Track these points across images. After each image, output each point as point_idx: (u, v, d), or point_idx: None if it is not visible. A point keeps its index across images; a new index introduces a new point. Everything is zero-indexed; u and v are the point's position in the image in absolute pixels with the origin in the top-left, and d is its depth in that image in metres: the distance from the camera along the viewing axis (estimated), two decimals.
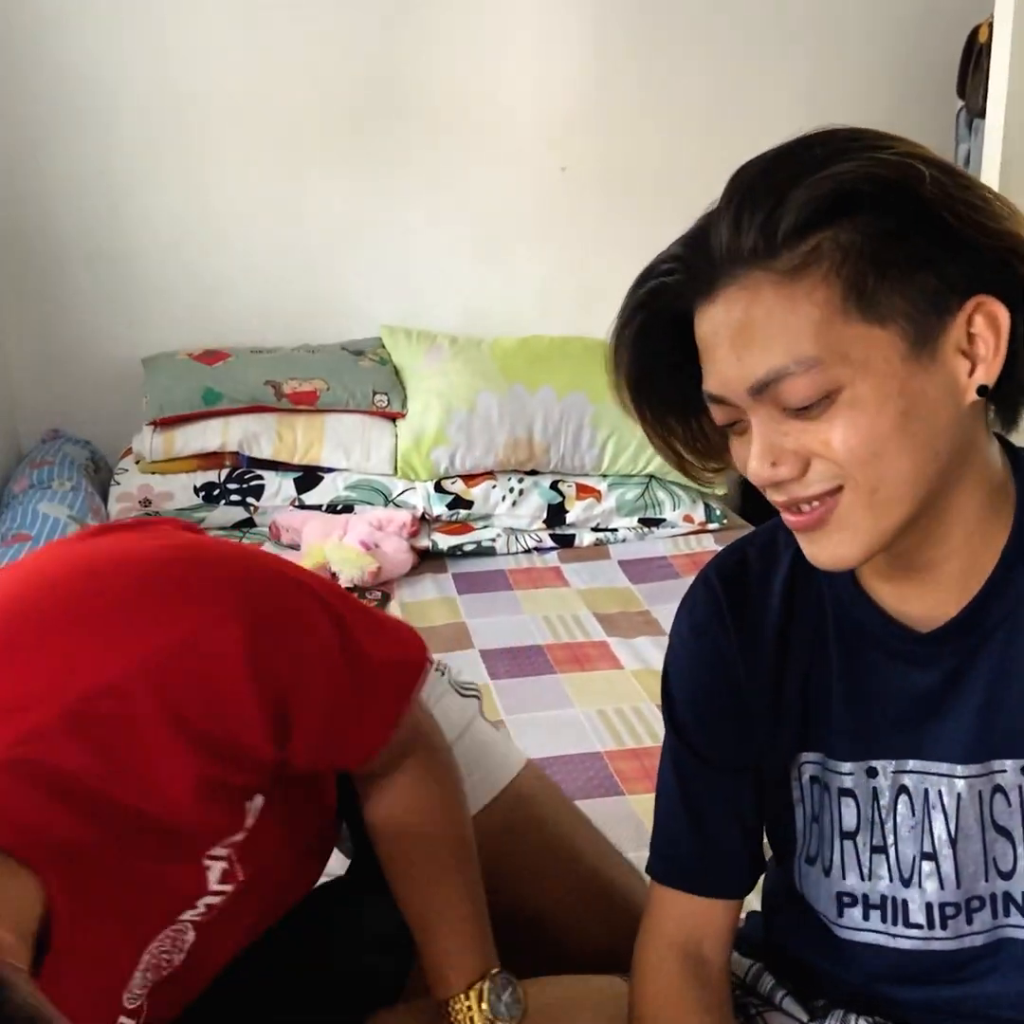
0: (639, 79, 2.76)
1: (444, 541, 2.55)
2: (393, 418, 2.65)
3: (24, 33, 2.53)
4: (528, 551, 2.57)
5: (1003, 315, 0.67)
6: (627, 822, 1.47)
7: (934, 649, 0.78)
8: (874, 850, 0.83)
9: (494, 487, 2.60)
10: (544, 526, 2.61)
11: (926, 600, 0.77)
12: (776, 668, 0.83)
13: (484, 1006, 0.87)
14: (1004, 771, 0.78)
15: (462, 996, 0.87)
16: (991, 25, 2.02)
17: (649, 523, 2.63)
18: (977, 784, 0.79)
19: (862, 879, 0.83)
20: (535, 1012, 0.90)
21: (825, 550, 0.72)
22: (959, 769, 0.79)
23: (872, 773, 0.82)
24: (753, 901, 0.97)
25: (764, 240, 0.66)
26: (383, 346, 2.80)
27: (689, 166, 2.70)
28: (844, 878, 0.84)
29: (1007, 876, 0.80)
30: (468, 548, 2.56)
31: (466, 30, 2.68)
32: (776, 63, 2.79)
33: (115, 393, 2.73)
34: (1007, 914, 0.80)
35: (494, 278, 2.87)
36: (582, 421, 2.61)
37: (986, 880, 0.80)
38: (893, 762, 0.81)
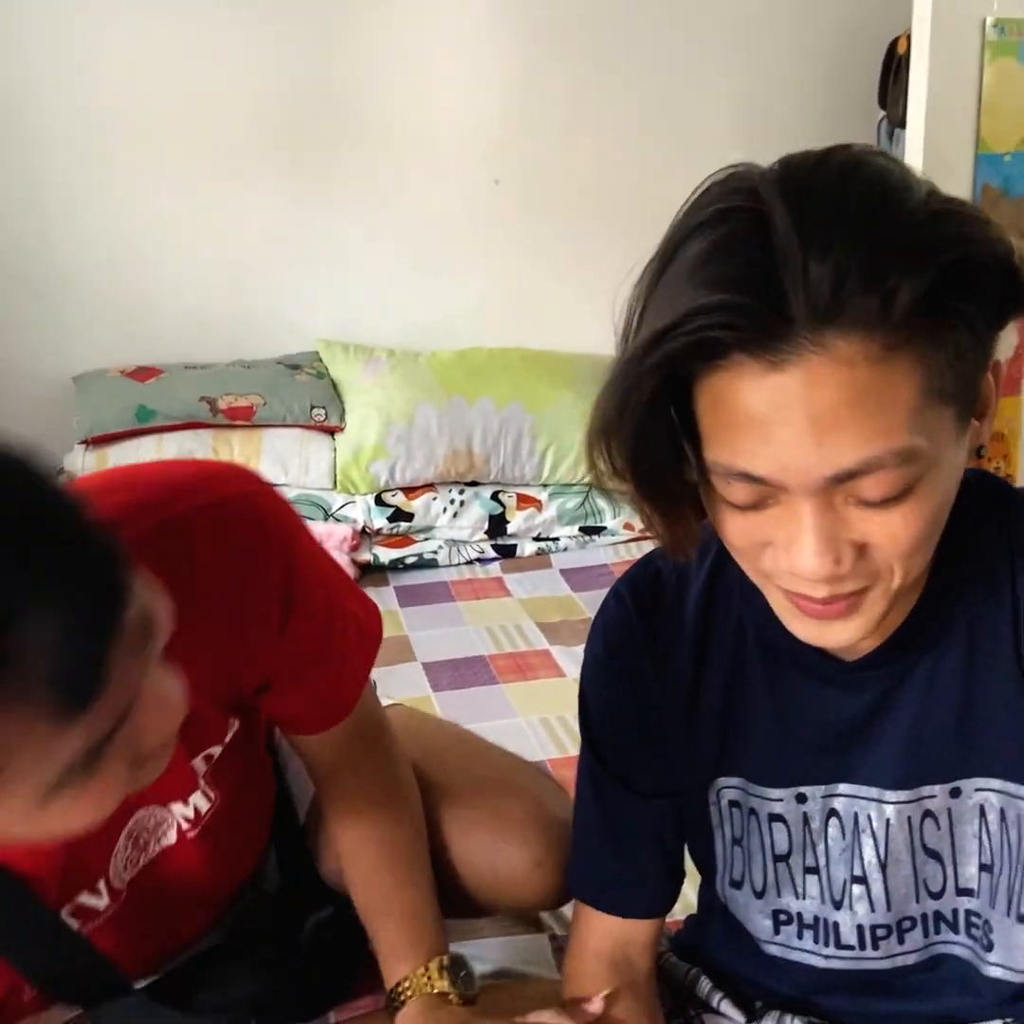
0: (569, 92, 2.78)
1: (385, 554, 2.54)
2: (331, 432, 2.64)
3: None
4: (470, 562, 2.57)
5: (1001, 373, 0.64)
6: None
7: (861, 676, 0.75)
8: (807, 871, 0.82)
9: (435, 499, 2.59)
10: (486, 537, 2.61)
11: None
12: (691, 689, 0.81)
13: (442, 977, 0.89)
14: (933, 796, 0.77)
15: (421, 969, 0.90)
16: (909, 37, 2.07)
17: (590, 531, 2.64)
18: (906, 809, 0.78)
19: (797, 898, 0.82)
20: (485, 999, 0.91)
21: (833, 635, 0.66)
22: (888, 795, 0.78)
23: (802, 799, 0.81)
24: (692, 899, 0.97)
25: (878, 309, 0.55)
26: (320, 360, 2.79)
27: (621, 176, 2.73)
28: (779, 896, 0.83)
29: (937, 896, 0.80)
30: (410, 561, 2.55)
31: (395, 46, 2.68)
32: (705, 75, 2.83)
33: (46, 412, 2.67)
34: (938, 932, 0.80)
35: (431, 291, 2.86)
36: (521, 431, 2.62)
37: (917, 901, 0.80)
38: (822, 786, 0.80)
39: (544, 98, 2.79)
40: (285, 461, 2.56)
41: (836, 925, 0.82)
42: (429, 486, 2.61)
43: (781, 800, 0.81)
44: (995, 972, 0.79)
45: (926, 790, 0.77)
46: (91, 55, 2.56)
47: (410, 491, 2.60)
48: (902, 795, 0.78)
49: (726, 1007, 0.91)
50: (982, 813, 0.77)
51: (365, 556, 2.53)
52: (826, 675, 0.76)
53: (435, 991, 0.89)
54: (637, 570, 0.84)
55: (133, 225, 2.67)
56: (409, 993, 0.90)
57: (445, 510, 2.59)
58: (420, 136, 2.75)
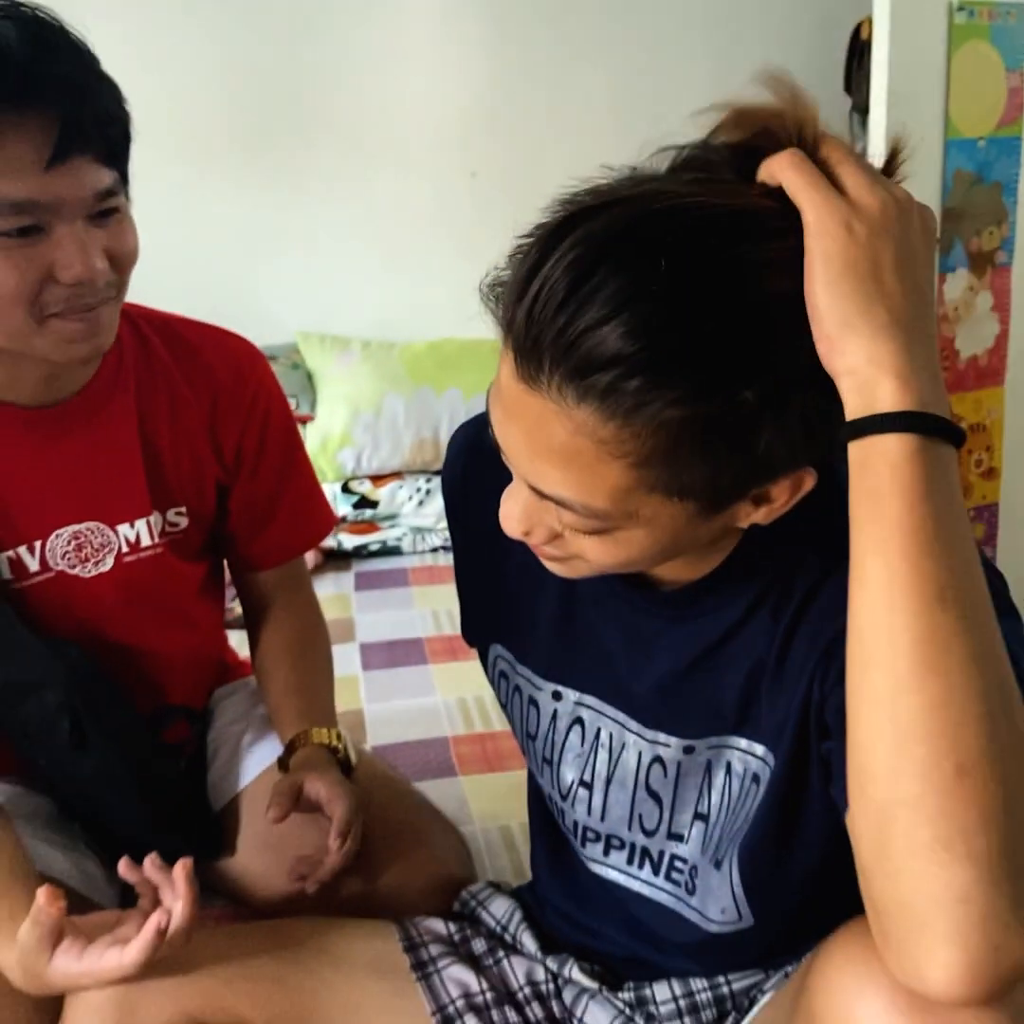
0: (542, 83, 2.82)
1: (350, 541, 2.57)
2: (303, 421, 2.70)
3: None
4: (434, 550, 2.60)
5: (809, 483, 0.63)
6: (453, 800, 1.49)
7: (653, 606, 0.77)
8: (544, 760, 0.87)
9: (401, 487, 2.63)
10: None
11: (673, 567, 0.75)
12: (494, 548, 0.82)
13: (336, 738, 1.10)
14: (667, 745, 0.79)
15: (318, 729, 1.10)
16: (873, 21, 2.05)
17: None
18: (640, 744, 0.81)
19: (539, 775, 0.90)
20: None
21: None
22: (631, 724, 0.81)
23: (558, 696, 0.85)
24: None
25: (604, 408, 0.57)
26: (298, 351, 2.85)
27: (594, 165, 2.74)
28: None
29: (649, 834, 0.83)
30: (374, 547, 2.58)
31: (368, 39, 2.74)
32: (675, 61, 2.84)
33: None
34: (641, 867, 0.84)
35: (407, 283, 2.91)
36: None
37: (629, 829, 0.84)
38: (577, 693, 0.84)
39: (520, 90, 2.82)
40: None
41: (562, 811, 0.88)
42: (396, 475, 2.65)
43: (541, 690, 0.85)
44: (692, 915, 0.81)
45: (663, 737, 0.80)
46: None
47: (377, 479, 2.64)
48: (643, 731, 0.80)
49: (526, 939, 0.96)
50: (709, 768, 0.78)
51: (329, 543, 2.56)
52: (626, 594, 0.78)
53: (328, 743, 1.09)
54: (472, 428, 0.89)
55: None
56: (303, 740, 1.09)
57: (411, 498, 2.63)
58: (395, 130, 2.80)
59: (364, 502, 2.61)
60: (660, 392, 0.56)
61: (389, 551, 2.59)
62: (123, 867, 0.86)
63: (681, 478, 0.60)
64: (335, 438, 2.61)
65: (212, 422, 1.09)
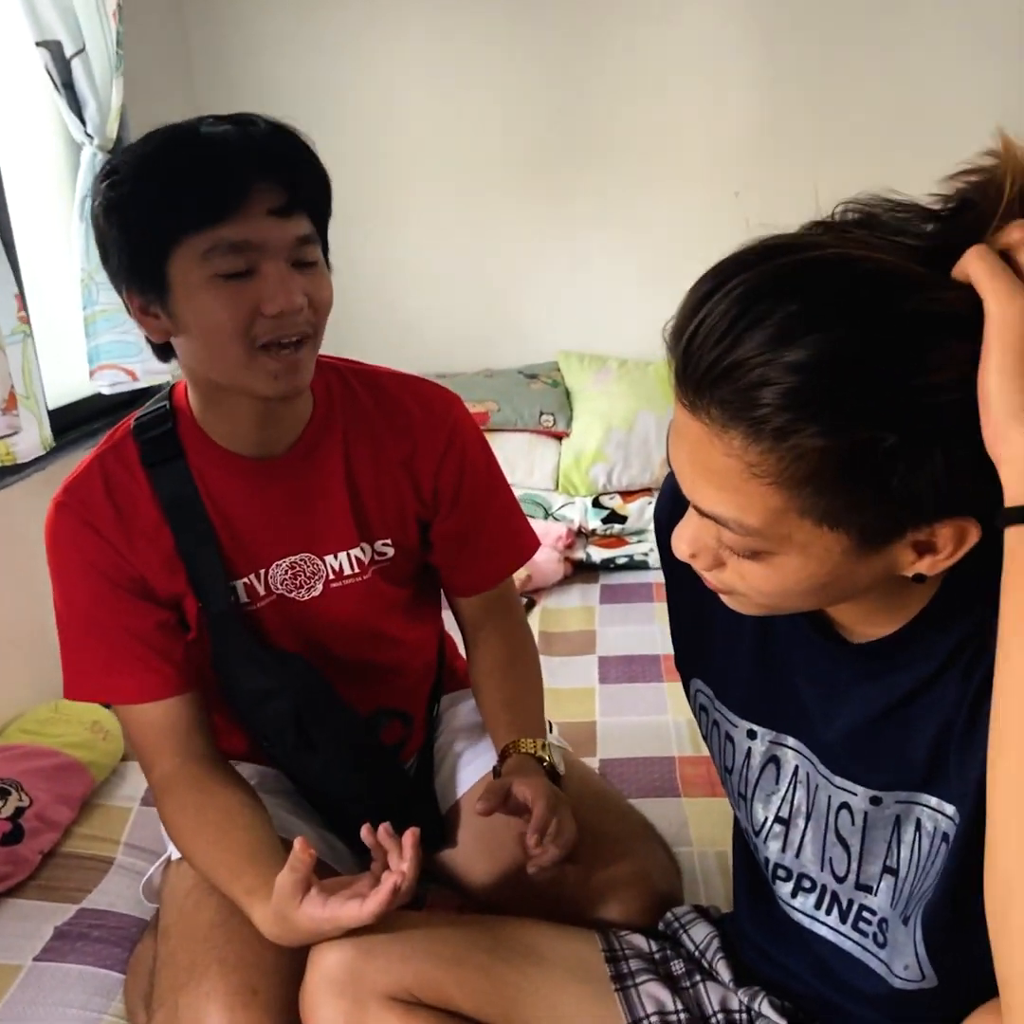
0: (811, 101, 2.77)
1: (598, 554, 2.66)
2: (558, 437, 2.80)
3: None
4: None
5: (973, 536, 0.64)
6: (673, 821, 1.53)
7: (846, 658, 0.79)
8: (739, 794, 0.91)
9: (650, 503, 2.68)
10: None
11: (864, 619, 0.77)
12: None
13: (542, 748, 1.19)
14: (854, 794, 0.82)
15: (527, 740, 1.20)
16: None
17: None
18: (829, 788, 0.84)
19: (736, 808, 0.93)
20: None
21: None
22: (821, 768, 0.84)
23: (752, 735, 0.89)
24: None
25: (755, 435, 0.62)
26: (558, 369, 2.96)
27: (866, 188, 2.66)
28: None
29: (839, 879, 0.85)
30: (621, 561, 2.65)
31: (637, 61, 2.79)
32: (964, 81, 2.69)
33: None
34: (828, 913, 0.86)
35: (667, 303, 2.93)
36: None
37: (820, 869, 0.86)
38: (773, 732, 0.87)
39: (784, 109, 2.78)
40: (513, 463, 2.67)
41: (756, 847, 0.91)
42: (645, 491, 2.71)
43: (736, 727, 0.89)
44: (878, 968, 0.82)
45: (849, 785, 0.82)
46: (359, 93, 2.87)
47: (626, 495, 2.71)
48: (831, 777, 0.83)
49: (721, 967, 0.99)
50: (898, 822, 0.79)
51: (578, 554, 2.66)
52: (820, 643, 0.80)
53: (534, 753, 1.18)
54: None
55: (396, 251, 2.98)
56: (513, 750, 1.19)
57: None
58: (659, 152, 2.84)
59: (613, 517, 2.68)
60: (804, 425, 0.59)
61: (636, 565, 2.65)
62: (364, 832, 0.99)
63: (826, 506, 0.62)
64: (588, 454, 2.70)
65: (411, 463, 1.19)
